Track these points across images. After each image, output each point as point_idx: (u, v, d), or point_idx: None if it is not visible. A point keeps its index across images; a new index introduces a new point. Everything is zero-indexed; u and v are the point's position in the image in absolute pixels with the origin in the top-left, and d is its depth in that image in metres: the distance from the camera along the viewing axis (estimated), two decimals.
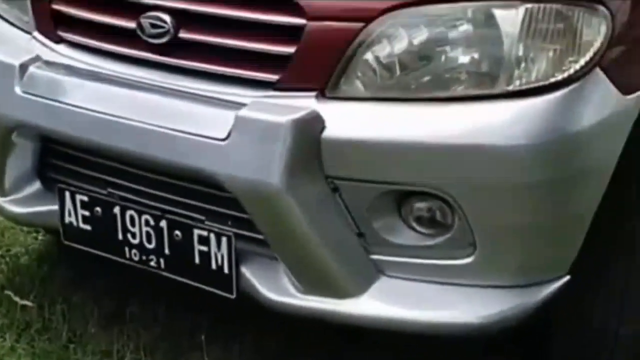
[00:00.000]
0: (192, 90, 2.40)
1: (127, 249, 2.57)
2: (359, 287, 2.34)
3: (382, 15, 2.24)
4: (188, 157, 2.31)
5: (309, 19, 2.26)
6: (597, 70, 2.25)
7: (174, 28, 2.41)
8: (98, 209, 2.58)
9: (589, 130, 2.23)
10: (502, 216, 2.24)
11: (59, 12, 2.63)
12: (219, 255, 2.42)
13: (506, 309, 2.30)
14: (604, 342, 2.56)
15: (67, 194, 2.62)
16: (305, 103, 2.27)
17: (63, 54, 2.62)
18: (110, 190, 2.58)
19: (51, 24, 2.64)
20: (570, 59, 2.23)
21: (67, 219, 2.64)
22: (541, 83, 2.21)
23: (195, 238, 2.45)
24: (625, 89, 2.31)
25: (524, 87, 2.22)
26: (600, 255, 2.43)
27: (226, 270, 2.43)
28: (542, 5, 2.20)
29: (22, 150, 2.68)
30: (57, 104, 2.50)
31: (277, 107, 2.26)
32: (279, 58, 2.31)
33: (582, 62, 2.23)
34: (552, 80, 2.22)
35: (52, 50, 2.63)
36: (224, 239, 2.40)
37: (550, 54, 2.22)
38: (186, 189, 2.44)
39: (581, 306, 2.52)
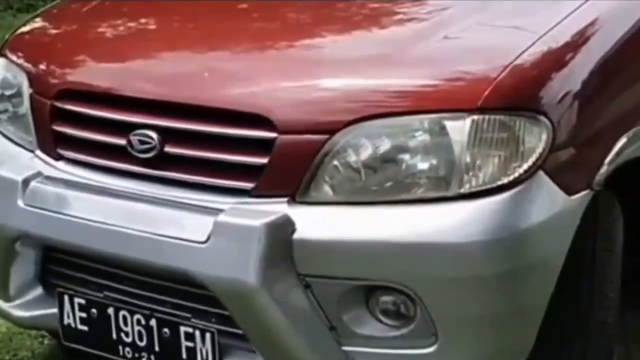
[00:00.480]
0: (176, 199, 2.63)
1: (121, 347, 2.78)
2: None
3: (346, 127, 2.49)
4: (171, 259, 2.54)
5: (280, 132, 2.51)
6: (541, 173, 2.48)
7: (160, 143, 2.66)
8: (94, 310, 2.80)
9: (536, 228, 2.45)
10: (460, 308, 2.44)
11: (58, 132, 2.88)
12: (204, 350, 2.63)
13: None
14: None
15: (66, 297, 2.84)
16: (277, 208, 2.51)
17: (62, 169, 2.86)
18: (106, 293, 2.79)
19: (52, 142, 2.90)
20: (515, 164, 2.46)
21: (66, 321, 2.86)
22: (489, 186, 2.44)
23: (182, 335, 2.66)
24: (569, 190, 2.53)
25: (474, 190, 2.45)
26: (556, 342, 2.62)
27: None
28: (486, 116, 2.44)
29: (25, 258, 2.90)
30: (56, 215, 2.74)
31: (252, 212, 2.50)
32: (253, 168, 2.55)
33: (525, 166, 2.46)
34: (499, 183, 2.44)
35: (53, 166, 2.88)
36: (207, 335, 2.61)
37: (496, 160, 2.46)
38: (172, 288, 2.66)
39: None
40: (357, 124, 2.49)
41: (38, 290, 2.97)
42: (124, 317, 2.75)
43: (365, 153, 2.50)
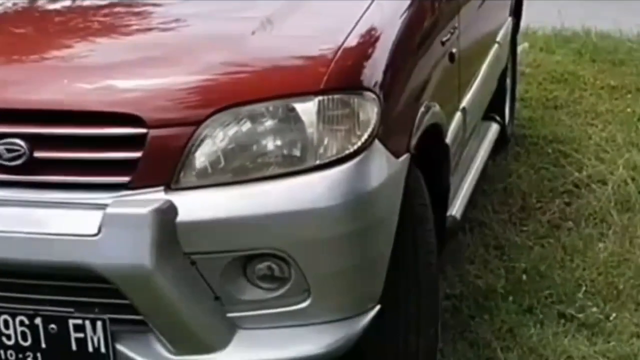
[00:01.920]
0: (54, 200, 2.82)
1: (2, 351, 2.92)
2: (222, 342, 2.84)
3: (207, 118, 2.80)
4: (64, 255, 2.74)
5: (150, 127, 2.78)
6: (376, 142, 2.92)
7: (29, 150, 2.84)
8: None
9: (378, 188, 2.88)
10: (326, 264, 2.83)
11: None
12: (95, 338, 2.84)
13: (339, 339, 2.88)
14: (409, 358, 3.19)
15: None
16: (156, 196, 2.78)
17: None
18: None
19: None
20: (355, 135, 2.88)
21: None
22: (337, 156, 2.85)
23: (71, 327, 2.85)
24: (396, 155, 3.00)
25: (325, 161, 2.84)
26: (396, 284, 3.06)
27: (103, 350, 2.85)
28: (329, 96, 2.85)
29: None
30: None
31: (136, 202, 2.76)
32: (128, 163, 2.81)
33: (364, 137, 2.89)
34: (345, 153, 2.85)
35: None
36: (99, 324, 2.83)
37: (340, 134, 2.87)
38: (58, 285, 2.84)
39: (388, 330, 3.12)
40: (217, 114, 2.81)
41: None
42: (5, 321, 2.89)
43: (229, 138, 2.83)
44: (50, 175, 2.86)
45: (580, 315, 3.83)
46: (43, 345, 2.89)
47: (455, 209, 3.92)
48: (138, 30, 3.30)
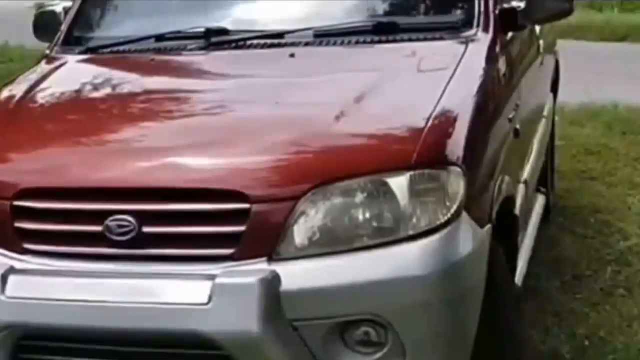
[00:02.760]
0: (162, 272, 3.00)
1: None
2: None
3: (305, 194, 2.99)
4: (177, 323, 2.91)
5: (252, 202, 2.97)
6: (464, 212, 3.10)
7: (138, 225, 3.02)
8: None
9: (467, 257, 3.06)
10: (421, 328, 2.99)
11: (23, 229, 3.14)
12: None
13: None
14: None
15: None
16: (259, 267, 2.96)
17: (32, 262, 3.12)
18: None
19: (15, 239, 3.14)
20: (445, 207, 3.05)
21: None
22: (429, 227, 3.02)
23: None
24: (480, 225, 3.17)
25: (418, 232, 3.01)
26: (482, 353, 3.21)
27: None
28: (419, 171, 3.04)
29: None
30: (45, 301, 3.01)
31: (244, 272, 2.93)
32: (233, 236, 2.99)
33: (453, 208, 3.06)
34: (436, 223, 3.03)
35: (20, 260, 3.12)
36: None
37: (430, 206, 3.04)
38: (165, 354, 3.00)
39: None
40: (314, 189, 2.99)
41: None
42: None
43: (326, 211, 3.01)
44: (157, 248, 3.04)
45: None
46: None
47: (517, 277, 4.07)
48: (230, 110, 3.49)
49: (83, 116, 3.59)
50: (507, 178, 3.56)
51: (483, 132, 3.37)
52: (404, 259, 2.97)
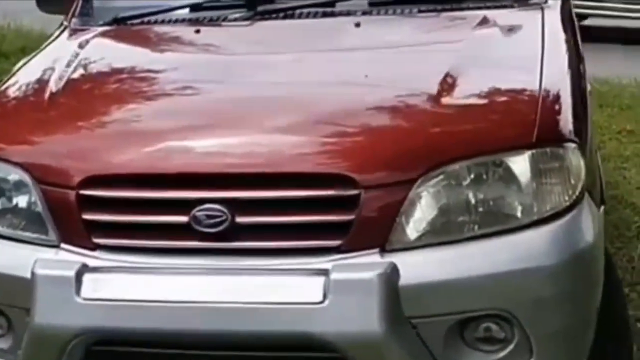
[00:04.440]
0: (265, 267, 2.66)
1: None
2: None
3: (422, 176, 2.67)
4: (288, 325, 2.57)
5: (363, 188, 2.64)
6: (586, 193, 2.83)
7: (230, 215, 2.67)
8: None
9: (596, 240, 2.79)
10: (549, 322, 2.71)
11: (92, 221, 2.77)
12: None
13: None
14: None
15: None
16: (371, 259, 2.64)
17: (105, 258, 2.75)
18: None
19: (83, 233, 2.77)
20: (570, 188, 2.78)
21: None
22: (555, 210, 2.74)
23: None
24: (597, 205, 2.90)
25: (544, 216, 2.73)
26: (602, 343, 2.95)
27: None
28: (540, 149, 2.75)
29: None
30: (128, 303, 2.65)
31: (360, 265, 2.61)
32: (340, 225, 2.66)
33: (578, 188, 2.79)
34: (563, 206, 2.75)
35: (91, 257, 2.75)
36: None
37: (555, 187, 2.76)
38: (270, 357, 2.67)
39: None
40: (428, 173, 2.69)
41: None
42: None
43: (442, 197, 2.71)
44: (253, 241, 2.70)
45: None
46: None
47: None
48: (318, 85, 3.14)
49: (146, 95, 3.19)
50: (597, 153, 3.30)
51: (582, 103, 3.10)
52: (530, 248, 2.69)
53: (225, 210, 2.68)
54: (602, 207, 2.97)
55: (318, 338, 2.58)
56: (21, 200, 2.87)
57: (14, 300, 2.81)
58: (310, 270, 2.63)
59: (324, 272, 2.61)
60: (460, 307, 2.66)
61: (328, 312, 2.57)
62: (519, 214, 2.72)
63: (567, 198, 2.76)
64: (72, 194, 2.77)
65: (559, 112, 2.88)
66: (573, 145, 2.82)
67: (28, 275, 2.74)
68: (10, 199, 2.89)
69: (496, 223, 2.71)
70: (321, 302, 2.57)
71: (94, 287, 2.69)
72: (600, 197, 2.98)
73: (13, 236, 2.89)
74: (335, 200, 2.67)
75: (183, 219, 2.70)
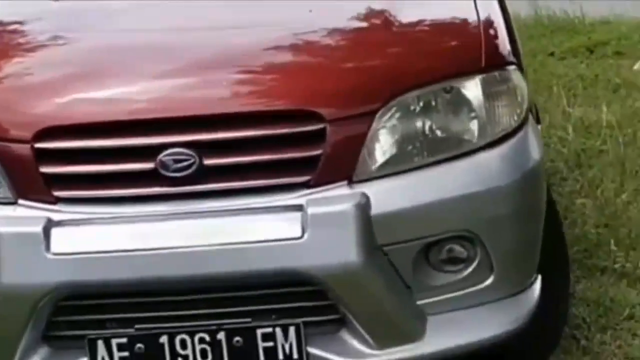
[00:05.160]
0: (231, 208, 2.67)
1: None
2: (420, 330, 2.79)
3: (379, 110, 2.74)
4: (268, 262, 2.61)
5: (328, 122, 2.69)
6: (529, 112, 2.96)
7: (198, 157, 2.67)
8: (140, 345, 2.72)
9: (540, 158, 2.94)
10: (507, 238, 2.84)
11: (52, 174, 2.71)
12: (287, 345, 2.72)
13: (522, 311, 2.91)
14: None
15: (100, 342, 2.72)
16: (339, 192, 2.69)
17: (67, 211, 2.70)
18: (156, 325, 2.72)
19: (42, 186, 2.70)
20: (518, 108, 2.90)
21: None
22: (506, 131, 2.85)
23: (259, 337, 2.71)
24: (537, 122, 3.04)
25: (496, 137, 2.84)
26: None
27: (295, 356, 2.73)
28: (490, 74, 2.85)
29: (39, 317, 2.71)
30: (104, 255, 2.62)
31: (335, 198, 2.66)
32: (308, 161, 2.70)
33: (524, 108, 2.92)
34: (513, 126, 2.87)
35: (53, 210, 2.69)
36: (291, 329, 2.71)
37: (505, 109, 2.87)
38: (245, 297, 2.70)
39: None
40: (389, 103, 2.75)
41: (43, 351, 2.77)
42: (182, 341, 2.72)
43: (401, 126, 2.78)
44: (223, 182, 2.70)
45: None
46: None
47: None
48: (274, 24, 3.07)
49: (105, 38, 3.07)
50: None
51: (513, 32, 3.20)
52: (487, 169, 2.80)
53: (192, 153, 2.66)
54: (539, 126, 3.09)
55: (299, 272, 2.62)
56: None
57: None
58: (285, 207, 2.66)
59: (299, 208, 2.64)
60: (426, 231, 2.75)
61: (308, 246, 2.61)
62: (474, 138, 2.81)
63: (515, 118, 2.87)
64: (26, 147, 2.70)
65: (499, 38, 2.98)
66: (514, 67, 2.93)
67: None
68: None
69: (453, 148, 2.80)
70: (300, 237, 2.61)
71: (64, 241, 2.64)
72: (536, 116, 3.10)
73: None
74: (302, 136, 2.70)
75: (149, 165, 2.68)
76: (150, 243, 2.62)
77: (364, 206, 2.65)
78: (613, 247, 4.19)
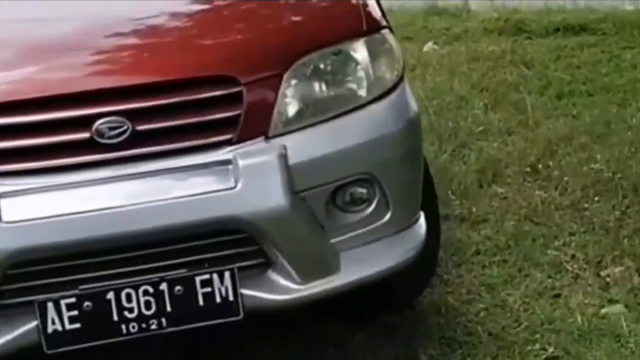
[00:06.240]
0: (167, 168, 2.96)
1: (124, 326, 2.98)
2: (336, 265, 3.16)
3: (286, 71, 3.10)
4: (208, 212, 2.91)
5: (244, 84, 3.03)
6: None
7: (131, 124, 2.94)
8: (88, 303, 2.95)
9: (417, 108, 3.37)
10: (399, 178, 3.26)
11: None
12: (223, 289, 3.03)
13: (417, 240, 3.34)
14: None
15: (50, 304, 2.92)
16: (258, 146, 3.04)
17: (9, 183, 2.88)
18: (100, 284, 2.95)
19: None
20: (396, 65, 3.33)
21: (50, 329, 2.93)
22: (388, 87, 3.28)
23: (198, 285, 3.01)
24: None
25: (381, 92, 3.26)
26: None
27: (231, 298, 3.05)
28: (371, 36, 3.27)
29: None
30: (50, 219, 2.84)
31: (259, 151, 2.99)
32: (229, 121, 3.02)
33: (401, 64, 3.35)
34: (394, 83, 3.29)
35: None
36: (227, 274, 3.02)
37: (386, 67, 3.30)
38: (183, 249, 2.99)
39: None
40: (292, 65, 3.11)
41: None
42: (128, 295, 2.97)
43: (303, 86, 3.14)
44: (156, 145, 2.97)
45: None
46: (168, 309, 3.00)
47: None
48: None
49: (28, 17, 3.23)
50: None
51: None
52: (379, 118, 3.21)
53: (125, 120, 2.92)
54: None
55: (236, 219, 2.92)
56: None
57: None
58: (216, 162, 2.96)
59: (229, 162, 2.95)
60: (335, 175, 3.12)
61: (242, 195, 2.92)
62: (364, 93, 3.22)
63: (396, 74, 3.30)
64: None
65: (373, 5, 3.39)
66: (389, 30, 3.35)
67: None
68: None
69: (348, 102, 3.19)
70: (234, 187, 2.92)
71: (13, 210, 2.83)
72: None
73: None
74: (222, 98, 3.01)
75: (85, 134, 2.91)
76: (94, 204, 2.86)
77: (285, 156, 2.99)
78: (451, 197, 4.71)
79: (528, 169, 5.00)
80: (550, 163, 5.05)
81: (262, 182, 2.93)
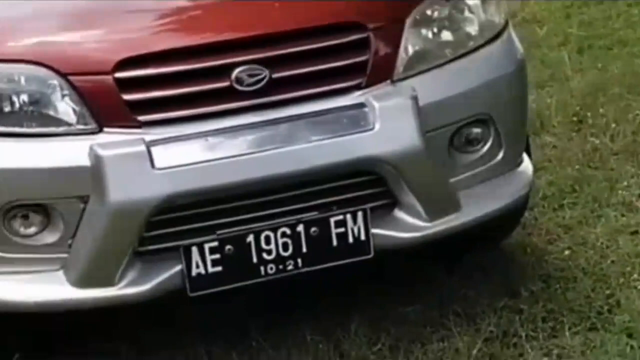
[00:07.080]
0: (306, 112, 3.04)
1: (262, 267, 3.07)
2: (457, 203, 3.27)
3: (409, 15, 3.20)
4: (349, 154, 3.00)
5: (371, 30, 3.12)
6: None
7: (268, 71, 3.02)
8: (229, 247, 3.03)
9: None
10: (510, 119, 3.38)
11: (134, 100, 2.96)
12: (355, 229, 3.12)
13: (529, 178, 3.47)
14: None
15: (194, 249, 3.01)
16: (387, 90, 3.14)
17: (153, 133, 2.95)
18: (239, 227, 3.04)
19: (127, 113, 2.95)
20: (502, 10, 3.44)
21: (194, 272, 3.02)
22: (498, 30, 3.41)
23: (332, 225, 3.10)
24: None
25: (492, 36, 3.39)
26: None
27: (363, 238, 3.14)
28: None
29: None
30: (204, 164, 2.92)
31: (393, 94, 3.09)
32: (358, 66, 3.11)
33: (506, 9, 3.46)
34: (502, 27, 3.41)
35: (138, 134, 2.94)
36: (359, 214, 3.11)
37: (495, 10, 3.40)
38: (314, 191, 3.08)
39: None
40: (417, 7, 3.22)
41: (138, 266, 3.02)
42: (267, 237, 3.05)
43: (425, 31, 3.27)
44: (291, 92, 3.06)
45: None
46: (304, 250, 3.09)
47: None
48: None
49: None
50: None
51: None
52: (495, 60, 3.35)
53: (263, 67, 3.00)
54: None
55: (374, 159, 3.02)
56: (52, 97, 2.96)
57: (65, 192, 2.92)
58: (351, 106, 3.05)
59: (363, 105, 3.05)
60: (458, 116, 3.24)
61: (380, 135, 3.02)
62: (478, 36, 3.33)
63: (503, 17, 3.42)
64: (108, 78, 2.92)
65: None
66: None
67: (85, 162, 2.88)
68: (39, 98, 2.96)
69: (464, 46, 3.30)
70: (372, 129, 3.01)
71: (164, 157, 2.90)
72: None
73: (46, 133, 2.96)
74: (352, 44, 3.10)
75: (224, 83, 2.99)
76: (239, 149, 2.94)
77: (416, 98, 3.09)
78: None
79: (574, 119, 5.12)
80: (590, 113, 5.18)
81: (398, 123, 3.03)
